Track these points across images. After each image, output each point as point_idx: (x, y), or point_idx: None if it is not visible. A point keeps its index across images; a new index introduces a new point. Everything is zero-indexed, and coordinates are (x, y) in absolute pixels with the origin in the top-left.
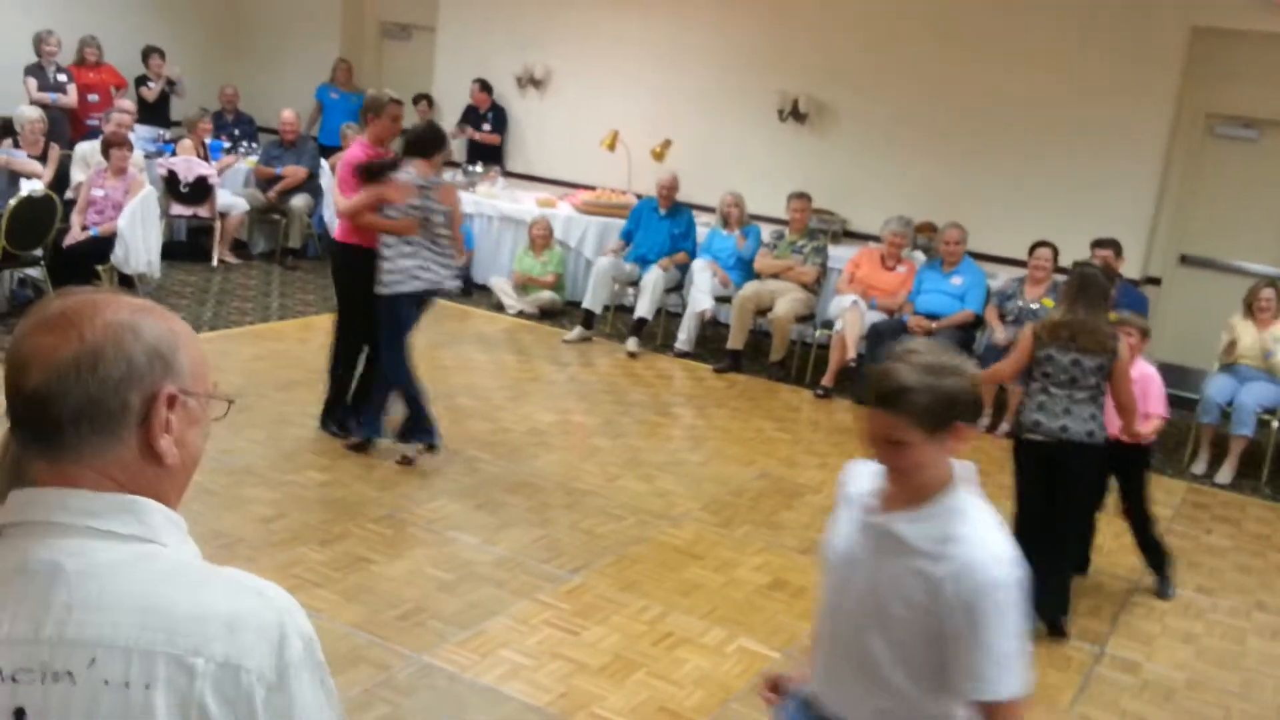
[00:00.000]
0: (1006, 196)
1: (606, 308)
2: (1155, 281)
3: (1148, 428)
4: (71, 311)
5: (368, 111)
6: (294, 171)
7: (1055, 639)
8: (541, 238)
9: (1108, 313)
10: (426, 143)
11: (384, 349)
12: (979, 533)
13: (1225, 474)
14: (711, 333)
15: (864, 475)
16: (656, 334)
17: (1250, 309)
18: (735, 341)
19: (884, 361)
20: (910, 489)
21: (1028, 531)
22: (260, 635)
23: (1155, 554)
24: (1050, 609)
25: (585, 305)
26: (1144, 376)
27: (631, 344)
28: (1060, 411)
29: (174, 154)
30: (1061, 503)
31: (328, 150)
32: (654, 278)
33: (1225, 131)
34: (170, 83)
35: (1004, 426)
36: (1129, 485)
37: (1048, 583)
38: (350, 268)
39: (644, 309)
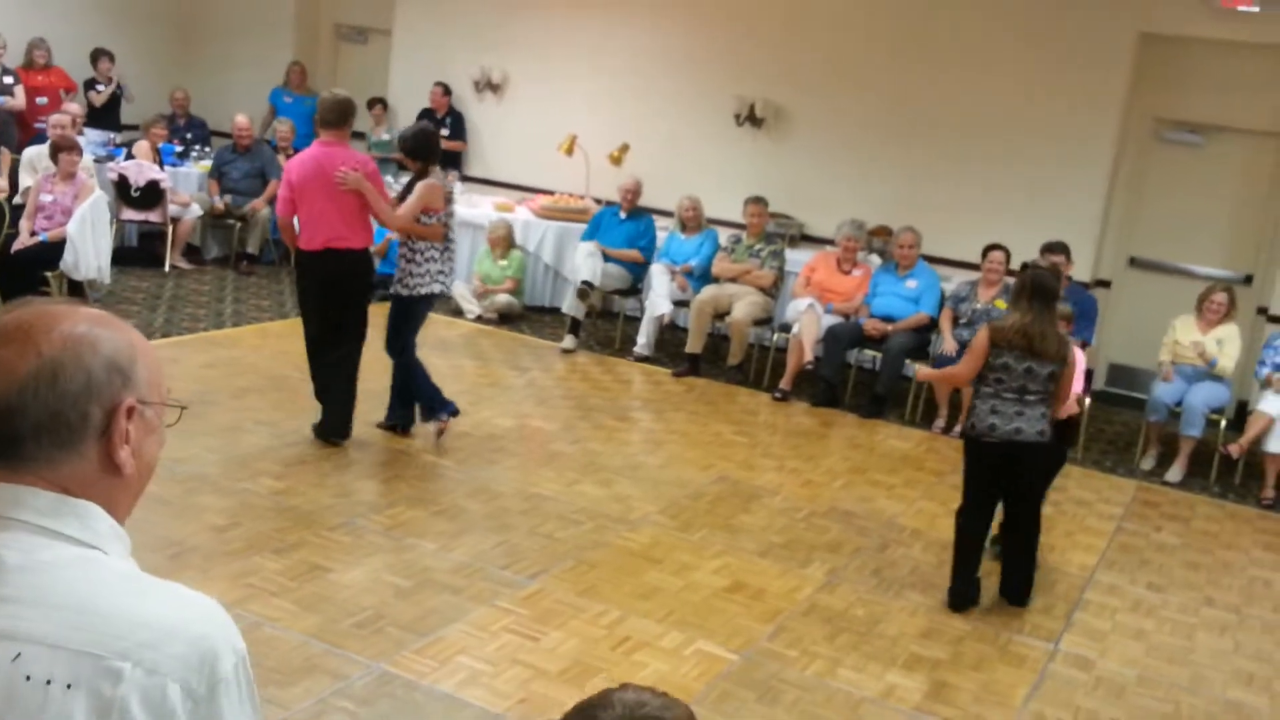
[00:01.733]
0: (959, 200)
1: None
2: (1105, 284)
3: (1072, 408)
4: (27, 325)
5: (331, 117)
6: (273, 186)
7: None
8: (501, 241)
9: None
10: (436, 148)
11: (402, 347)
12: None
13: (1175, 473)
14: (670, 337)
15: None
16: (615, 338)
17: (1200, 310)
18: (693, 345)
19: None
20: None
21: (977, 524)
22: (193, 647)
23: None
24: (1017, 591)
25: (566, 311)
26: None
27: (568, 342)
28: (1013, 414)
29: (126, 158)
30: (1017, 499)
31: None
32: (588, 248)
33: (1172, 136)
34: (119, 86)
35: (958, 428)
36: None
37: (1019, 569)
38: (366, 274)
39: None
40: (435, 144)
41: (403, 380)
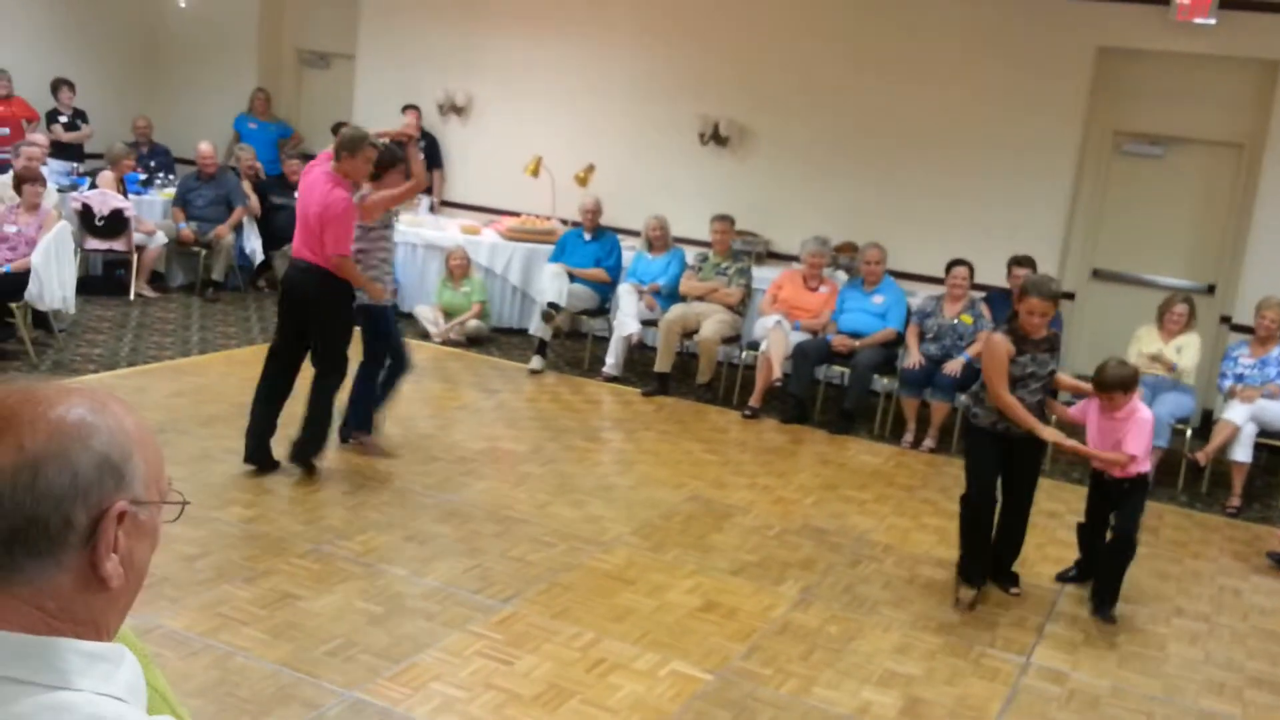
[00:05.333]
0: (924, 215)
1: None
2: (1069, 296)
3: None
4: (9, 411)
5: (343, 148)
6: (239, 213)
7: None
8: (459, 268)
9: None
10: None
11: (381, 355)
12: None
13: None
14: (639, 356)
15: None
16: (584, 359)
17: (1161, 320)
18: (662, 364)
19: None
20: None
21: (986, 505)
22: None
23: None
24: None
25: (533, 333)
26: None
27: (535, 363)
28: (1031, 406)
29: (90, 187)
30: (1019, 481)
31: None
32: (554, 270)
33: (1132, 149)
34: (79, 114)
35: (927, 442)
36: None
37: (991, 548)
38: (344, 292)
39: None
40: (395, 158)
41: (390, 384)
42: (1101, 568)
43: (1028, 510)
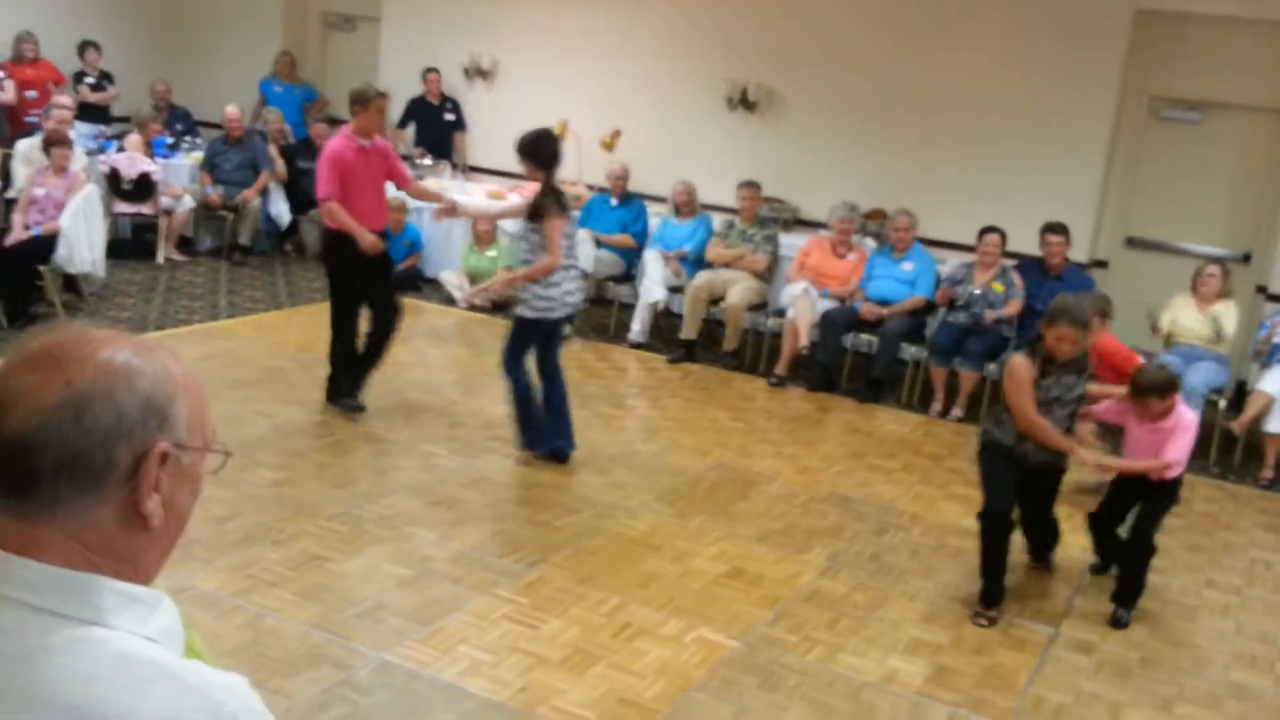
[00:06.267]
0: (954, 182)
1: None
2: (1102, 264)
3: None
4: (60, 350)
5: (354, 104)
6: (265, 177)
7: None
8: (486, 233)
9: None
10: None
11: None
12: None
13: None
14: (665, 323)
15: None
16: (609, 325)
17: (1195, 287)
18: (688, 331)
19: None
20: None
21: (1004, 518)
22: None
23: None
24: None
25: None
26: None
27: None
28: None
29: (116, 150)
30: (1038, 504)
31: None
32: (580, 235)
33: (1169, 114)
34: (105, 76)
35: (956, 412)
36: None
37: (1045, 540)
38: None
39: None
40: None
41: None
42: (1121, 569)
43: (1050, 526)
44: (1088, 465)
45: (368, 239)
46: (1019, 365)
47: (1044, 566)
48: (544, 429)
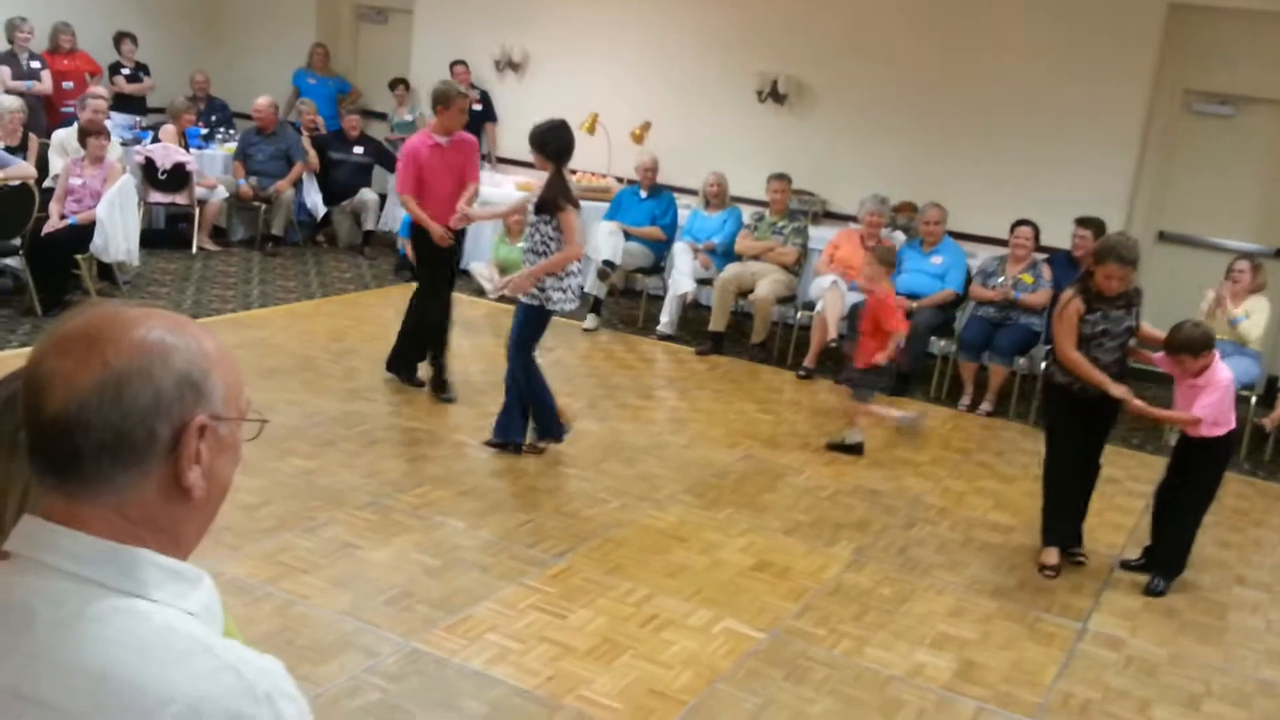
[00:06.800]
0: (985, 175)
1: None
2: None
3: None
4: (95, 330)
5: (436, 103)
6: (298, 169)
7: (1074, 561)
8: (518, 224)
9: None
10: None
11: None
12: None
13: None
14: (693, 315)
15: None
16: (638, 317)
17: (1227, 281)
18: (717, 324)
19: None
20: None
21: (1066, 468)
22: None
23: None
24: (1071, 535)
25: (588, 290)
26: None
27: (589, 321)
28: (1107, 364)
29: (152, 141)
30: (1091, 441)
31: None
32: (609, 228)
33: (1202, 108)
34: (141, 67)
35: (985, 406)
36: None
37: (1076, 510)
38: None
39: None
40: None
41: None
42: (1165, 540)
43: (1096, 471)
44: (1125, 403)
45: (437, 231)
46: (1066, 300)
47: (1077, 551)
48: (521, 420)
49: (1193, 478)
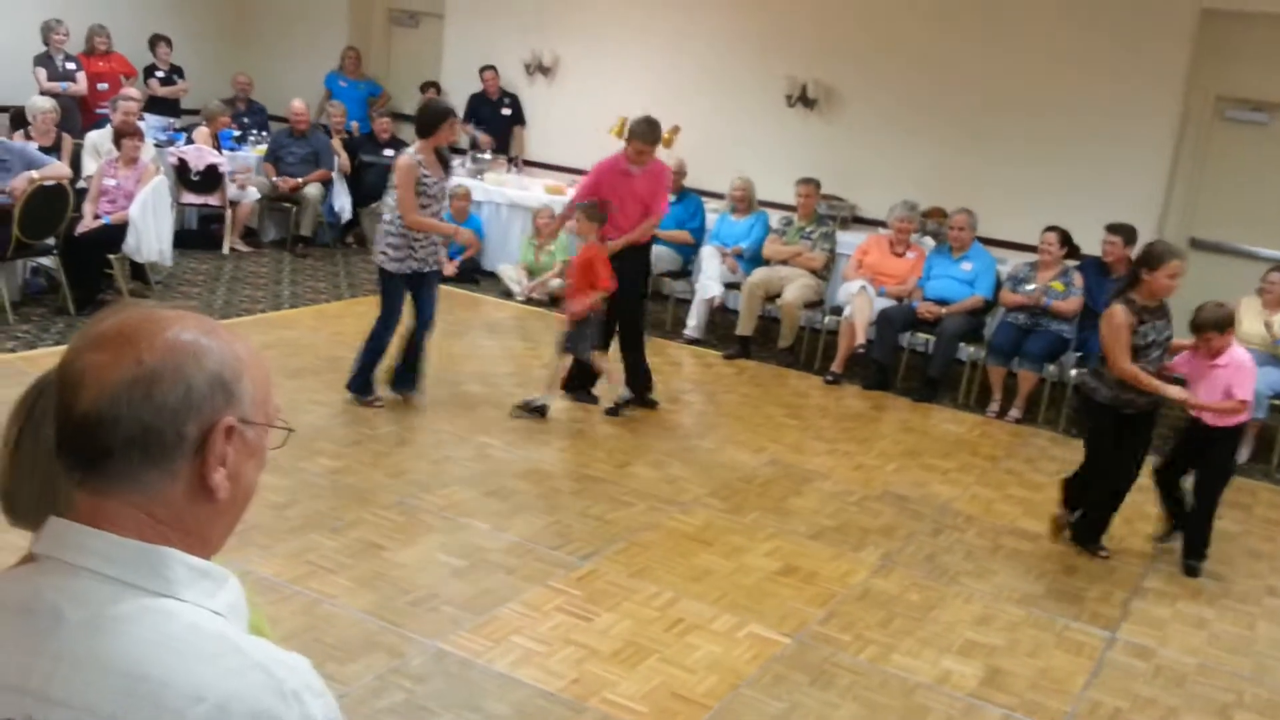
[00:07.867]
0: (1015, 181)
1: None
2: None
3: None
4: (130, 329)
5: (632, 138)
6: (320, 174)
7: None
8: (547, 226)
9: None
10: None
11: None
12: None
13: (1239, 457)
14: (720, 319)
15: None
16: (665, 320)
17: (1261, 291)
18: (744, 328)
19: None
20: None
21: (1126, 483)
22: None
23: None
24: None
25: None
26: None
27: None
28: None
29: (185, 142)
30: (1143, 454)
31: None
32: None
33: (1235, 115)
34: (175, 70)
35: (1014, 413)
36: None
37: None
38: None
39: None
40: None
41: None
42: (1189, 525)
43: (1134, 481)
44: (1184, 404)
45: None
46: (1118, 313)
47: (1100, 549)
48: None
49: (1209, 460)
